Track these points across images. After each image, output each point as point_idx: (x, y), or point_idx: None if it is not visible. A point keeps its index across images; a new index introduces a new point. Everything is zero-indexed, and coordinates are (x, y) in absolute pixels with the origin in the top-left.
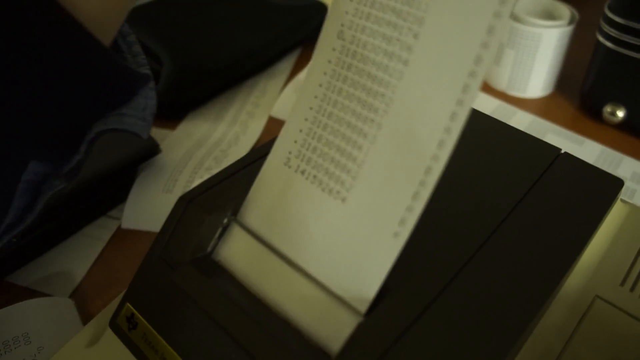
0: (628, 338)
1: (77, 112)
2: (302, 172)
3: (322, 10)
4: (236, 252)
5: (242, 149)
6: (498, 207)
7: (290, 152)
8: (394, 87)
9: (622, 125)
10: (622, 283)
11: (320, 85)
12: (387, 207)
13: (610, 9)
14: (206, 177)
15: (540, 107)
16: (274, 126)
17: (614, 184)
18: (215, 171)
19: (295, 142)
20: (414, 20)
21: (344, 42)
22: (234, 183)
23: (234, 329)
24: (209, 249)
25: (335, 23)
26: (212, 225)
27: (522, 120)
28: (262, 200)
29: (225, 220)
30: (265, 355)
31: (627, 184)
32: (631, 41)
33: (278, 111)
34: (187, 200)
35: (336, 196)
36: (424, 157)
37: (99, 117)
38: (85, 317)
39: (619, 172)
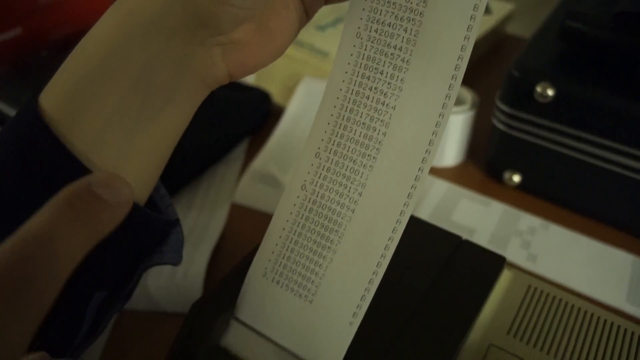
0: None
1: (131, 258)
2: (277, 282)
3: (267, 99)
4: (237, 340)
5: (212, 235)
6: (420, 285)
7: (266, 268)
8: (350, 217)
9: (520, 187)
10: (509, 332)
11: (287, 221)
12: (343, 306)
13: (500, 99)
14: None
15: (454, 175)
16: (236, 212)
17: (499, 261)
18: (194, 255)
19: (269, 260)
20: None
21: (306, 193)
22: (232, 288)
23: None
24: (219, 341)
25: (300, 178)
26: (219, 322)
27: (440, 188)
28: (250, 303)
29: (228, 319)
30: None
31: (523, 236)
32: (517, 126)
33: (239, 198)
34: (198, 307)
35: (305, 299)
36: (368, 275)
37: (145, 256)
38: None
39: (518, 226)
